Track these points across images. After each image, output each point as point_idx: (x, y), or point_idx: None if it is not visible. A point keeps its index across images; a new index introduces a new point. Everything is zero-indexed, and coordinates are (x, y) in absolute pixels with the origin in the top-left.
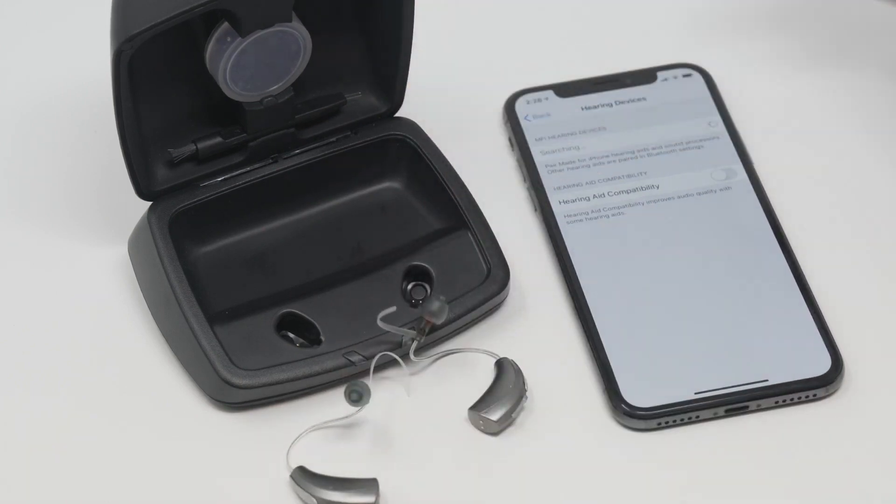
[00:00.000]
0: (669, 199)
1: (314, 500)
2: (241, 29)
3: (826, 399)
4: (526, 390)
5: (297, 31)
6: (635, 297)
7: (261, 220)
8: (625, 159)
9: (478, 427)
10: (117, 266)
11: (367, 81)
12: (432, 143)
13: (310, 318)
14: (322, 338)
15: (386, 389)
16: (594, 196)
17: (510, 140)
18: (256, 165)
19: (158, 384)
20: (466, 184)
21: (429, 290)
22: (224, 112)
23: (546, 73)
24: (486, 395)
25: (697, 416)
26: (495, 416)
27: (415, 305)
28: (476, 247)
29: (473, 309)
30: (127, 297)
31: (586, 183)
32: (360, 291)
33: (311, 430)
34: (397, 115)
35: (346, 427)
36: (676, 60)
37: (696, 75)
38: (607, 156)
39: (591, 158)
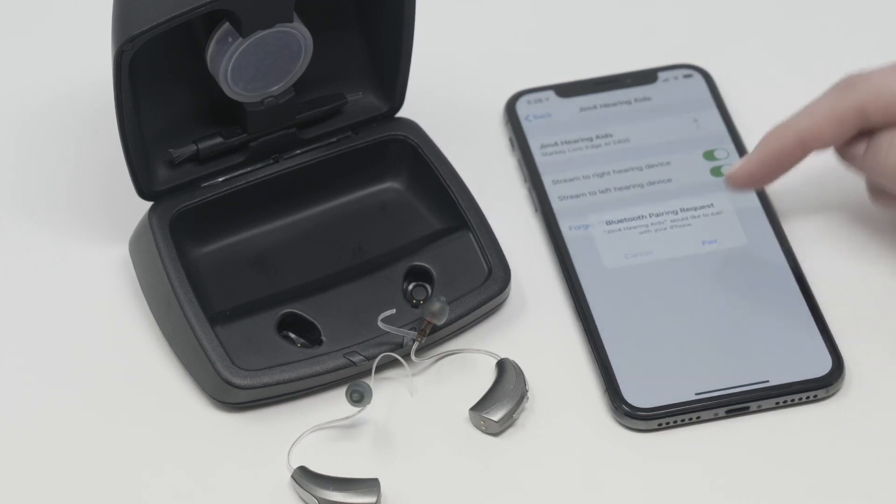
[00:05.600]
0: (669, 199)
1: (315, 501)
2: (242, 29)
3: (827, 400)
4: (527, 391)
5: (299, 31)
6: (636, 297)
7: (262, 220)
8: (625, 159)
9: (479, 427)
10: (118, 266)
11: (368, 81)
12: (433, 144)
13: (311, 319)
14: (323, 338)
15: (387, 390)
16: (595, 196)
17: (511, 140)
18: (257, 165)
19: (159, 384)
20: (467, 184)
21: (430, 291)
22: (225, 112)
23: (546, 74)
24: (487, 396)
25: (698, 417)
26: (496, 416)
27: (416, 306)
28: (477, 247)
29: (474, 309)
30: (128, 298)
31: (587, 183)
32: (361, 292)
33: (312, 430)
34: (398, 115)
35: (348, 427)
36: (677, 60)
37: (697, 75)
38: (608, 156)
39: (591, 159)
